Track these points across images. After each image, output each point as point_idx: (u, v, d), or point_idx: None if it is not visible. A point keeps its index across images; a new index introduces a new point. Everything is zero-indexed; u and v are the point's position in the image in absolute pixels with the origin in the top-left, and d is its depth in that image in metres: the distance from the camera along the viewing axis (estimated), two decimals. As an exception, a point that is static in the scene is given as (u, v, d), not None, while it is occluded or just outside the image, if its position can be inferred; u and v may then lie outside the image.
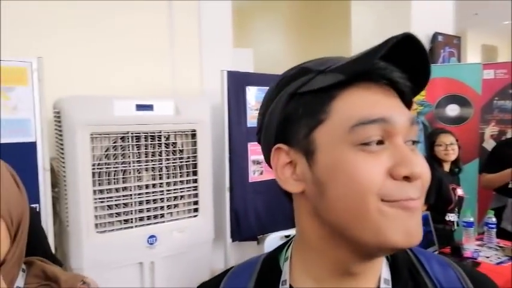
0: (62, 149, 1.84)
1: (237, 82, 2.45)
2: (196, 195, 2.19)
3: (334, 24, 4.90)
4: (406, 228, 0.43)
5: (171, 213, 2.11)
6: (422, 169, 0.44)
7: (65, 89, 1.84)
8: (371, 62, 0.44)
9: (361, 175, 0.43)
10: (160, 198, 2.07)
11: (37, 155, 1.75)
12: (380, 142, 0.44)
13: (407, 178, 0.43)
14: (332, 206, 0.45)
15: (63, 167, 1.84)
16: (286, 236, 2.18)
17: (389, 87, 0.47)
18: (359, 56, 0.44)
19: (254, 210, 2.56)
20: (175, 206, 2.14)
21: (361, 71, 0.44)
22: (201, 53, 2.63)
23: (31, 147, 1.73)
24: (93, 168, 1.85)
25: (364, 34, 3.73)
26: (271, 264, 0.55)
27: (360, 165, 0.43)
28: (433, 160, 2.49)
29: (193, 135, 2.15)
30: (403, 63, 0.46)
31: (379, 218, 0.43)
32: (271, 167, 0.51)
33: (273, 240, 2.30)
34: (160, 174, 2.07)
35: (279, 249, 0.57)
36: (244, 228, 2.52)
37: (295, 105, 0.47)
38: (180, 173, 2.14)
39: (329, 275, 0.50)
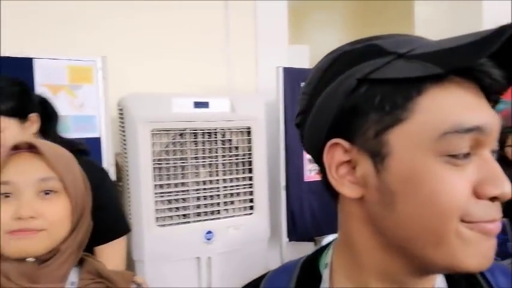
0: (125, 144, 1.91)
1: (293, 79, 2.41)
2: (251, 193, 2.18)
3: (395, 24, 4.66)
4: (482, 252, 0.37)
5: (226, 209, 2.12)
6: (510, 188, 0.36)
7: (128, 87, 1.91)
8: (480, 56, 0.34)
9: (445, 193, 0.36)
10: (217, 195, 2.08)
11: (102, 150, 1.84)
12: (467, 154, 0.36)
13: (494, 198, 0.36)
14: (401, 222, 0.38)
15: (126, 162, 1.92)
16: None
17: (475, 84, 0.38)
18: (462, 45, 0.35)
19: (310, 210, 2.49)
20: (231, 202, 2.14)
21: (466, 65, 0.36)
22: (257, 51, 2.62)
23: (96, 142, 1.82)
24: (154, 164, 1.91)
25: (429, 35, 3.47)
26: (310, 270, 0.50)
27: (445, 181, 0.36)
28: (502, 161, 2.26)
29: (248, 133, 2.14)
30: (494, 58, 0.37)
31: (456, 241, 0.36)
32: (315, 159, 0.44)
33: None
34: (216, 171, 2.08)
35: (318, 254, 0.51)
36: (300, 228, 2.47)
37: (365, 95, 0.39)
38: (236, 170, 2.14)
39: (375, 284, 0.43)
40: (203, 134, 2.03)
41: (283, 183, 2.40)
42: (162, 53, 2.21)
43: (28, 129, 1.11)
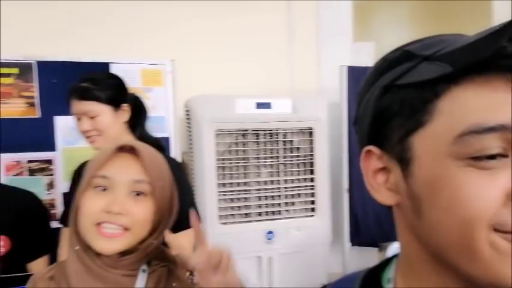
0: (191, 144, 1.99)
1: (358, 78, 2.33)
2: (312, 195, 2.15)
3: (470, 23, 4.30)
4: None
5: (287, 210, 2.11)
6: None
7: (195, 89, 1.99)
8: (490, 49, 0.32)
9: (468, 199, 0.33)
10: (278, 195, 2.09)
11: (170, 149, 1.93)
12: (501, 155, 0.33)
13: None
14: (430, 229, 0.36)
15: (192, 160, 2.00)
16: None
17: (507, 80, 0.34)
18: (474, 40, 0.33)
19: (374, 214, 2.39)
20: (292, 203, 2.13)
21: (474, 61, 0.33)
22: (319, 49, 2.58)
23: (165, 142, 1.92)
24: (218, 163, 1.97)
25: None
26: (373, 284, 0.47)
27: (468, 186, 0.33)
28: None
29: (310, 133, 2.12)
30: None
31: (490, 253, 0.33)
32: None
33: (396, 249, 2.11)
34: (277, 171, 2.09)
35: (381, 266, 0.48)
36: (363, 233, 2.38)
37: (390, 100, 0.39)
38: (297, 171, 2.12)
39: None
40: (265, 134, 2.05)
41: (346, 185, 2.33)
42: (226, 55, 2.27)
43: (120, 117, 1.25)
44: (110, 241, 0.68)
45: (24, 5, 1.95)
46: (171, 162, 1.34)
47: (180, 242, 1.18)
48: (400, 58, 0.40)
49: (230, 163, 2.02)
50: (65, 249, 1.28)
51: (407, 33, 5.10)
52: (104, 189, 0.70)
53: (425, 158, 0.36)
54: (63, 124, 1.81)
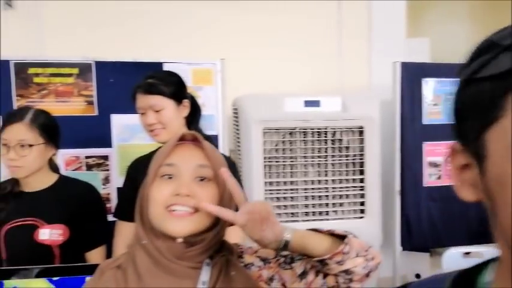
0: (239, 142, 2.01)
1: (412, 74, 2.22)
2: (362, 196, 2.08)
3: None
4: None
5: (335, 211, 2.06)
6: None
7: (244, 87, 2.00)
8: None
9: None
10: (325, 195, 2.05)
11: (219, 147, 1.95)
12: None
13: None
14: (504, 231, 0.34)
15: (240, 158, 2.01)
16: (466, 253, 1.86)
17: None
18: None
19: (428, 218, 2.27)
20: (340, 204, 2.08)
21: None
22: (370, 45, 2.49)
23: (215, 139, 1.94)
24: (265, 162, 1.96)
25: None
26: None
27: None
28: None
29: (361, 132, 2.05)
30: None
31: None
32: None
33: (452, 255, 1.98)
34: (325, 171, 2.05)
35: (476, 270, 0.45)
36: (415, 237, 2.27)
37: (467, 95, 0.37)
38: (346, 171, 2.07)
39: None
40: (313, 133, 2.01)
41: (397, 187, 2.23)
42: (275, 53, 2.26)
43: (181, 112, 1.31)
44: (181, 221, 0.71)
45: (84, 10, 2.07)
46: (226, 158, 1.38)
47: (232, 233, 1.20)
48: (482, 49, 0.37)
49: (277, 162, 2.00)
50: (120, 240, 1.33)
51: (464, 28, 4.80)
52: (170, 177, 0.74)
53: (497, 155, 0.34)
54: (118, 122, 1.89)
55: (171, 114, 1.28)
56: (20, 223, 1.18)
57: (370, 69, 2.50)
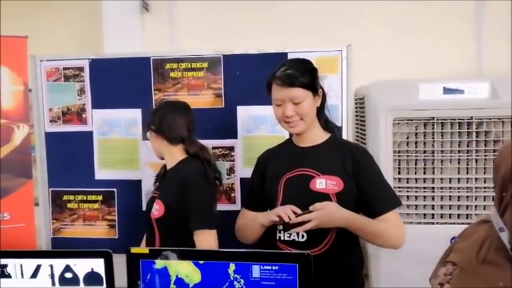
0: (364, 134, 1.87)
1: None
2: (514, 198, 1.76)
3: None
4: None
5: (480, 214, 1.79)
6: None
7: (371, 75, 1.86)
8: None
9: None
10: (467, 196, 1.79)
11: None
12: None
13: None
14: None
15: (365, 152, 1.88)
16: None
17: None
18: None
19: None
20: (485, 207, 1.80)
21: None
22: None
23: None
24: (394, 156, 1.80)
25: None
26: None
27: None
28: None
29: (513, 123, 1.74)
30: None
31: None
32: None
33: None
34: (467, 168, 1.79)
35: None
36: None
37: None
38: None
39: None
40: (452, 123, 1.77)
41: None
42: (406, 37, 2.06)
43: (316, 102, 1.28)
44: None
45: (212, 8, 2.16)
46: (362, 151, 1.30)
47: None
48: None
49: (408, 156, 1.82)
50: (253, 225, 1.33)
51: None
52: None
53: None
54: (243, 113, 1.93)
55: (310, 106, 1.25)
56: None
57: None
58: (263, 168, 1.37)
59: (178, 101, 1.72)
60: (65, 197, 2.04)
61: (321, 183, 1.22)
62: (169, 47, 2.08)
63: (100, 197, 2.03)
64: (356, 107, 2.01)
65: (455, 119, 1.75)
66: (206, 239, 1.38)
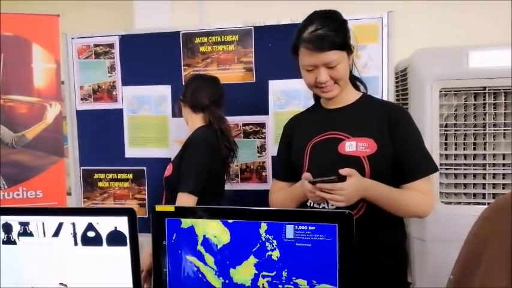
0: (407, 107, 1.73)
1: None
2: None
3: None
4: None
5: (539, 194, 1.61)
6: None
7: (413, 44, 1.72)
8: None
9: None
10: (523, 174, 1.61)
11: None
12: None
13: None
14: None
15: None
16: None
17: None
18: None
19: None
20: (543, 187, 1.62)
21: None
22: None
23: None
24: (441, 130, 1.65)
25: None
26: None
27: None
28: None
29: None
30: None
31: None
32: None
33: None
34: (524, 143, 1.61)
35: None
36: None
37: None
38: (554, 144, 1.59)
39: None
40: (506, 94, 1.60)
41: None
42: (453, 1, 1.89)
43: (350, 61, 1.14)
44: None
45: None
46: (399, 109, 1.18)
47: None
48: None
49: (456, 130, 1.66)
50: (274, 198, 1.27)
51: None
52: None
53: None
54: (276, 88, 1.84)
55: (345, 68, 1.11)
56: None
57: None
58: (289, 135, 1.26)
59: (208, 75, 1.70)
60: (96, 176, 2.03)
61: (350, 145, 1.10)
62: (199, 21, 2.02)
63: (130, 176, 2.01)
64: (397, 82, 1.87)
65: (509, 89, 1.58)
66: (181, 202, 1.38)
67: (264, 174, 1.89)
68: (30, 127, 2.01)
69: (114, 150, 2.01)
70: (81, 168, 2.04)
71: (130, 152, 2.00)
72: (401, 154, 1.09)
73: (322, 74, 1.09)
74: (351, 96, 1.18)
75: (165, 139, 1.97)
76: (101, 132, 2.02)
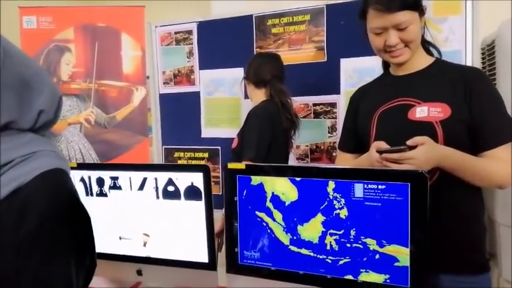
0: (495, 83, 1.59)
1: None
2: None
3: None
4: None
5: None
6: None
7: (499, 15, 1.57)
8: None
9: None
10: None
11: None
12: None
13: None
14: None
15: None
16: None
17: None
18: None
19: None
20: None
21: None
22: None
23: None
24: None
25: None
26: None
27: None
28: None
29: None
30: None
31: None
32: None
33: None
34: None
35: None
36: None
37: None
38: None
39: None
40: None
41: None
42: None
43: (422, 23, 1.08)
44: None
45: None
46: (477, 71, 1.09)
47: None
48: None
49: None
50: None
51: None
52: None
53: None
54: (348, 66, 1.81)
55: (417, 30, 1.04)
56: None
57: None
58: (356, 105, 1.21)
59: (269, 52, 1.79)
60: (176, 154, 2.19)
61: (422, 111, 1.02)
62: (272, 4, 2.06)
63: (206, 155, 2.13)
64: (483, 58, 1.72)
65: None
66: None
67: (334, 154, 1.87)
68: (119, 109, 2.23)
69: (191, 130, 2.15)
70: (163, 147, 2.22)
71: (206, 132, 2.13)
72: (478, 120, 1.00)
73: (391, 37, 1.03)
74: (422, 61, 1.11)
75: (237, 119, 2.05)
76: (181, 113, 2.17)
